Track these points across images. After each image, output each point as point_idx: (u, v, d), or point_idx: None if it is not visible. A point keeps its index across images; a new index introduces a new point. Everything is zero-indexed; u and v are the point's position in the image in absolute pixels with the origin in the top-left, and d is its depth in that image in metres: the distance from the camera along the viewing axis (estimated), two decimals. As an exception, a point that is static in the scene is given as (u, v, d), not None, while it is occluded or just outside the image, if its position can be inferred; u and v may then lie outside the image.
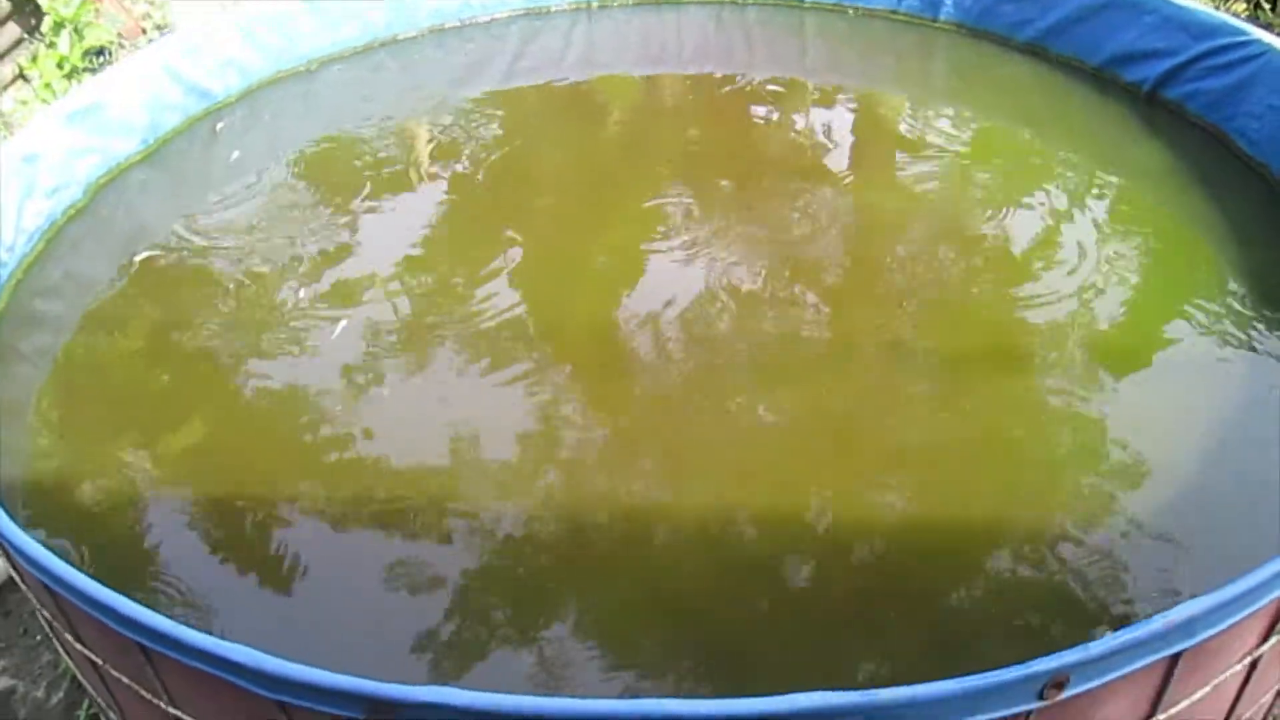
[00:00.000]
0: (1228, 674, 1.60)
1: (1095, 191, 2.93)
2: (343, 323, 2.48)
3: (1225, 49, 2.96)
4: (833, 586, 1.93)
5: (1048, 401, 2.25)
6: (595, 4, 3.85)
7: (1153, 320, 2.48)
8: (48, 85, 4.69)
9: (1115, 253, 2.67)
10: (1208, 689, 1.58)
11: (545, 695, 1.55)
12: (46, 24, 4.87)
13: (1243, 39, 2.91)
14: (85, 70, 4.81)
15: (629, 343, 2.45)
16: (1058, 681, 1.35)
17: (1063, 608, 1.85)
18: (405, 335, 2.45)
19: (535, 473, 2.13)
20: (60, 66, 4.75)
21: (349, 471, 2.14)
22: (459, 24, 3.78)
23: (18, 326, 2.52)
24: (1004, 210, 2.81)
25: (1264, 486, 2.03)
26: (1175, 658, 1.45)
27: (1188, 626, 1.40)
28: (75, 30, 4.81)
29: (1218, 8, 4.80)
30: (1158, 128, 3.13)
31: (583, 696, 1.71)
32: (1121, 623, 1.76)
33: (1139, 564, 1.92)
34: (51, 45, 4.83)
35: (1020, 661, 1.33)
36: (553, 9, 3.84)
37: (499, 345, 2.41)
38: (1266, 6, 4.88)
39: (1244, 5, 4.94)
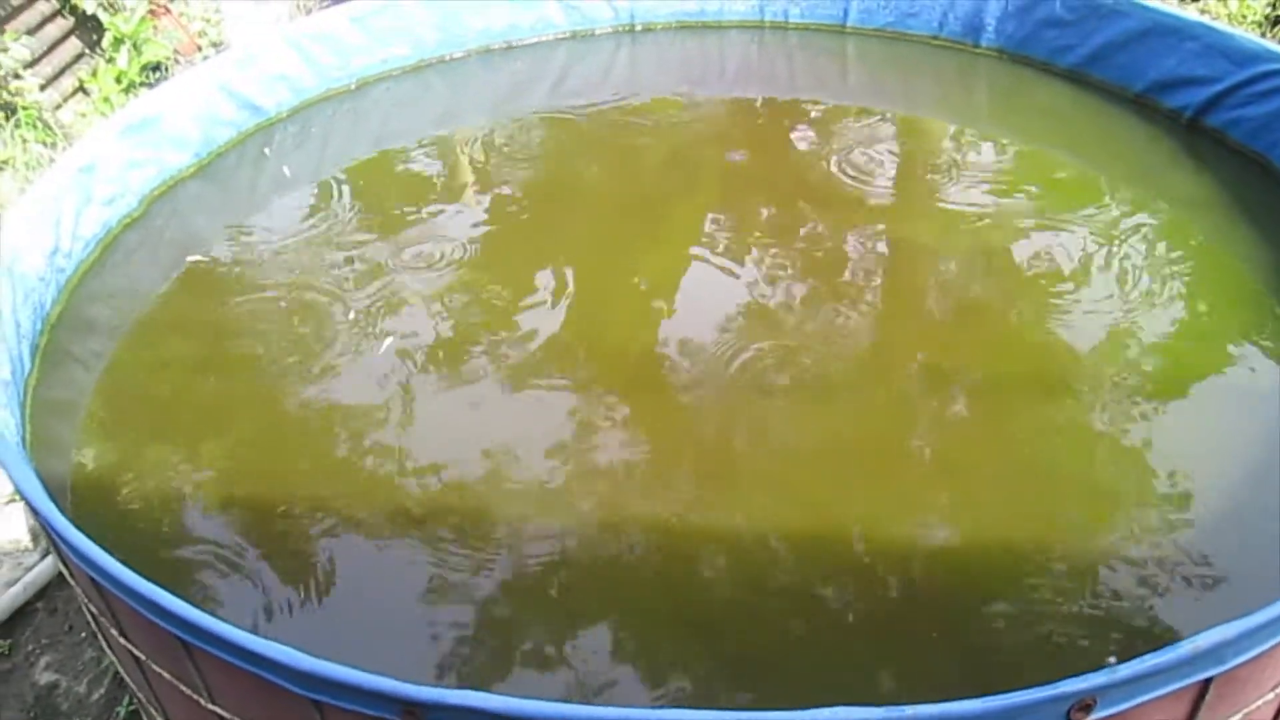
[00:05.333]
0: (1260, 703, 1.58)
1: (1137, 219, 2.91)
2: (389, 340, 2.52)
3: (1267, 75, 2.94)
4: (868, 607, 1.94)
5: (1087, 428, 2.25)
6: (639, 26, 3.91)
7: (1194, 349, 2.47)
8: (106, 99, 4.83)
9: (1157, 281, 2.65)
10: (1239, 717, 1.56)
11: (573, 703, 1.57)
12: (107, 40, 5.03)
13: (1285, 66, 2.90)
14: (143, 85, 4.95)
15: (668, 363, 2.47)
16: (1084, 704, 1.35)
17: (1101, 632, 1.84)
18: (447, 352, 2.49)
19: (572, 489, 2.15)
20: (119, 81, 4.89)
21: (389, 482, 2.18)
22: (505, 45, 3.85)
23: (73, 330, 2.60)
24: (1044, 237, 2.80)
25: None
26: (1206, 684, 1.45)
27: (1217, 652, 1.39)
28: (134, 46, 4.96)
29: (1264, 34, 4.78)
30: (1200, 155, 3.11)
31: (612, 705, 1.73)
32: (1157, 646, 1.75)
33: (1180, 589, 1.91)
34: (111, 60, 4.98)
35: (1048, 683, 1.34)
36: (597, 31, 3.89)
37: (540, 364, 2.45)
38: (1316, 35, 4.85)
39: (1292, 33, 4.91)
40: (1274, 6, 4.93)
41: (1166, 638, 1.82)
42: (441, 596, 1.96)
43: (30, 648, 2.84)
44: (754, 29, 3.91)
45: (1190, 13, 3.99)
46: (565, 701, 1.37)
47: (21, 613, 2.91)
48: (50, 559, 2.96)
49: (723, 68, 3.85)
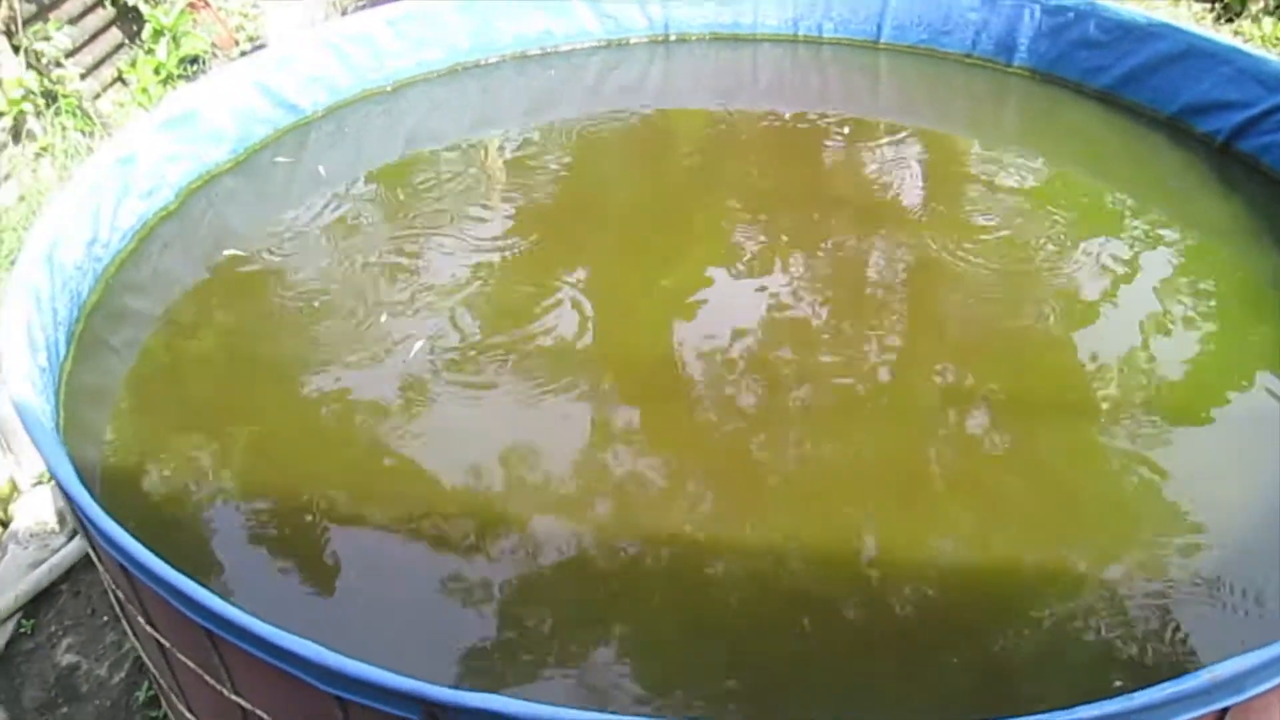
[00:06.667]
0: (1276, 734, 1.58)
1: (1167, 242, 2.91)
2: (419, 343, 2.54)
3: (1301, 102, 2.94)
4: (884, 624, 1.95)
5: (1110, 451, 2.25)
6: (673, 37, 3.92)
7: (1218, 375, 2.46)
8: (144, 90, 4.89)
9: (1184, 306, 2.65)
10: (1255, 748, 1.56)
11: (594, 711, 1.59)
12: (146, 31, 5.08)
13: (1319, 93, 2.89)
14: (180, 77, 5.00)
15: (691, 373, 2.48)
16: (1100, 729, 1.35)
17: (1117, 657, 1.84)
18: (472, 355, 2.52)
19: (596, 497, 2.18)
20: (157, 72, 4.95)
21: (417, 482, 2.21)
22: (540, 51, 3.87)
23: (108, 319, 2.64)
24: (1073, 259, 2.80)
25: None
26: (1223, 713, 1.45)
27: (1235, 683, 1.39)
28: (173, 39, 5.01)
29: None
30: (1231, 180, 3.10)
31: (631, 714, 1.75)
32: (1175, 673, 1.75)
33: (1199, 615, 1.91)
34: (150, 52, 5.04)
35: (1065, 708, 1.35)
36: (632, 41, 3.92)
37: (563, 370, 2.47)
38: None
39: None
40: (1310, 32, 4.91)
41: (1185, 665, 1.82)
42: (466, 598, 1.98)
43: (53, 629, 2.88)
44: (788, 43, 3.92)
45: (1224, 36, 3.98)
46: (584, 708, 1.38)
47: (46, 594, 2.95)
48: (76, 542, 3.00)
49: (756, 80, 3.87)
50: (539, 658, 1.87)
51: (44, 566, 2.96)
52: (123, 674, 2.76)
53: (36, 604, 2.93)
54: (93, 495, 1.77)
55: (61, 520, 3.10)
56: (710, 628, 1.94)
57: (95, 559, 2.02)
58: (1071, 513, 2.14)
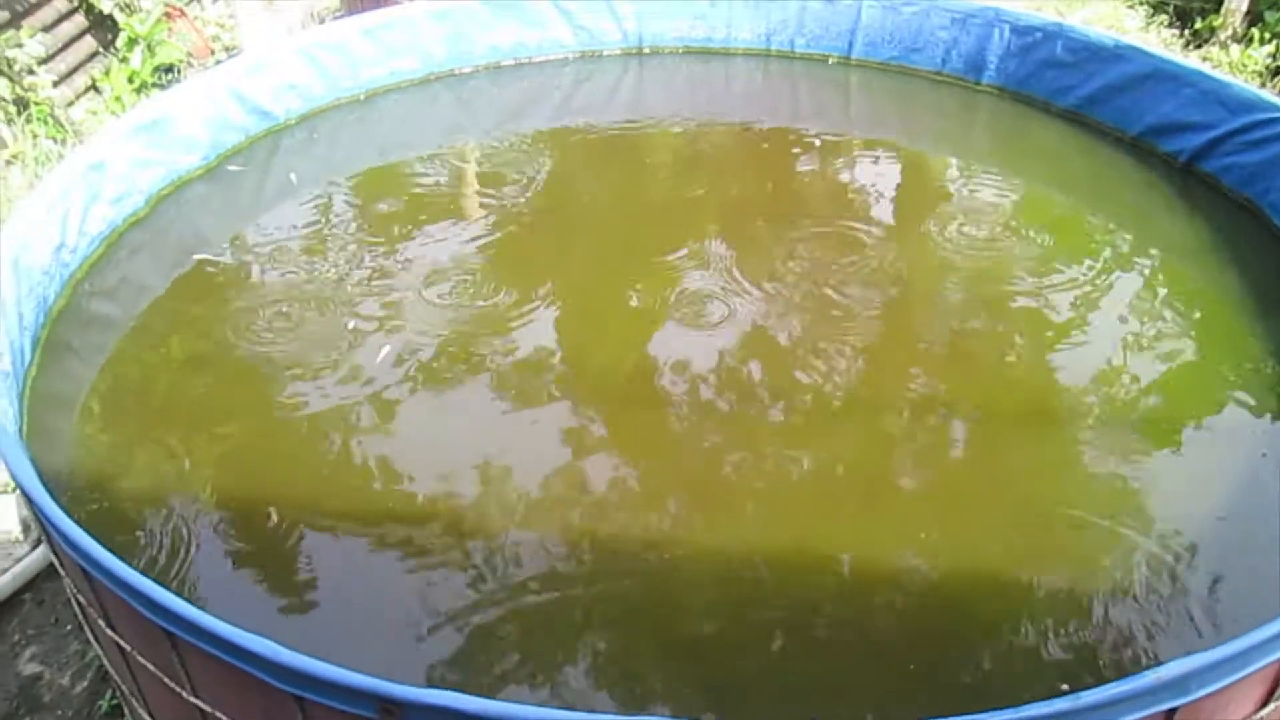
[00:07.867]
0: (1224, 737, 1.60)
1: (1130, 260, 2.95)
2: (387, 348, 2.55)
3: (1261, 124, 2.99)
4: (851, 632, 1.96)
5: (1077, 463, 2.28)
6: (647, 49, 3.96)
7: (1181, 390, 2.50)
8: (118, 98, 4.88)
9: (1148, 322, 2.69)
10: (1203, 750, 1.59)
11: (551, 708, 1.59)
12: (121, 40, 5.08)
13: (1278, 115, 2.94)
14: (155, 86, 5.00)
15: (660, 384, 2.49)
16: (1049, 729, 1.37)
17: (1080, 662, 1.86)
18: (442, 363, 2.52)
19: (562, 505, 2.18)
20: (131, 81, 4.94)
21: (382, 489, 2.21)
22: (514, 62, 3.90)
23: (74, 324, 2.63)
24: (1039, 275, 2.84)
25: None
26: (1170, 714, 1.47)
27: (1181, 683, 1.41)
28: (148, 47, 5.01)
29: (1264, 85, 4.84)
30: (1193, 199, 3.16)
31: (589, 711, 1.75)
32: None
33: (1161, 622, 1.93)
34: (124, 60, 5.04)
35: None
36: (605, 53, 3.95)
37: (533, 379, 2.48)
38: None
39: (1291, 83, 4.97)
40: (1274, 57, 4.99)
41: (1139, 669, 1.84)
42: (426, 603, 1.98)
43: (16, 638, 2.86)
44: (760, 57, 3.97)
45: (1192, 60, 4.05)
46: (542, 706, 1.39)
47: (10, 603, 2.93)
48: (40, 551, 2.98)
49: (728, 94, 3.91)
50: (505, 662, 1.87)
51: (7, 576, 2.93)
52: (85, 683, 2.74)
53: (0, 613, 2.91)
54: (55, 499, 1.77)
55: (26, 529, 3.07)
56: (676, 636, 1.95)
57: (57, 563, 2.01)
58: (1042, 524, 2.16)
